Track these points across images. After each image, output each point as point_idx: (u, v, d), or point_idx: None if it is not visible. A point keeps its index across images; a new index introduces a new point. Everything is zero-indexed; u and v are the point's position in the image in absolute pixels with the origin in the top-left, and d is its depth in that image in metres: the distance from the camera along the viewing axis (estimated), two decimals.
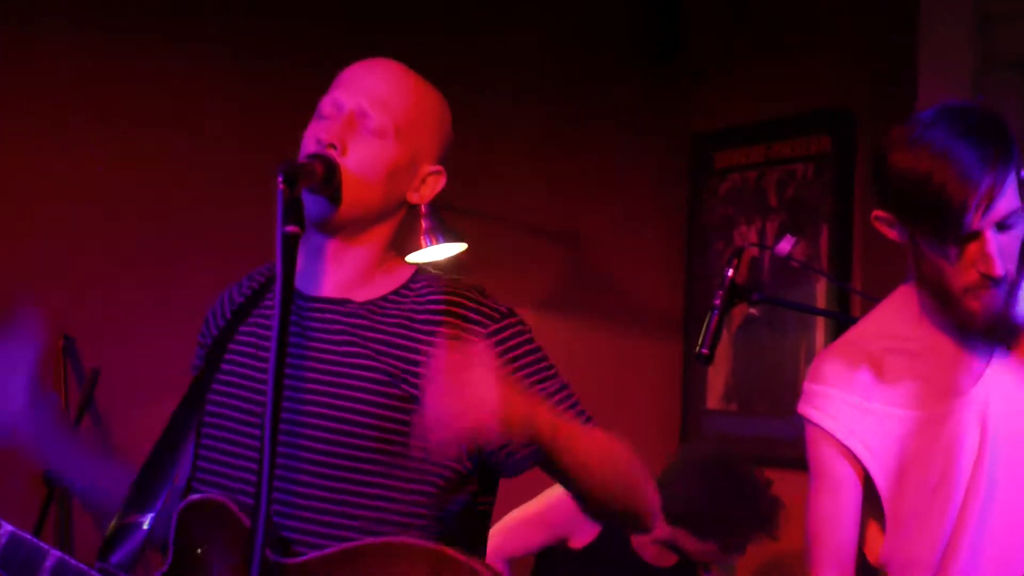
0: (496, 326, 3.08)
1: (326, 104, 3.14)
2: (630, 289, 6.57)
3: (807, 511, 3.33)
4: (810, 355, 5.94)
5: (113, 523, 3.14)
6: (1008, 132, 3.10)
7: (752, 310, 5.95)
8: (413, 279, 3.15)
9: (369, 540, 3.01)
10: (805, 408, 3.30)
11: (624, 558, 5.49)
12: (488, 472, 3.16)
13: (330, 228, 3.09)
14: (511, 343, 3.08)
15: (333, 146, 2.96)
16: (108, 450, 5.34)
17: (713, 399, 6.30)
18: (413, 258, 5.58)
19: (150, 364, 5.48)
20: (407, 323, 3.09)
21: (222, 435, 3.13)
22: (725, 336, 4.77)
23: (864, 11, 5.90)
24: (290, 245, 2.72)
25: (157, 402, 5.45)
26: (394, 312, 3.10)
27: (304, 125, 3.14)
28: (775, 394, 6.12)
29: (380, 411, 3.05)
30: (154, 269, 5.73)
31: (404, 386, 3.05)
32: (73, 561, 3.06)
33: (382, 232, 3.15)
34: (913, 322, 3.28)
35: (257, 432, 2.92)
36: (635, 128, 6.57)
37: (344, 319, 3.12)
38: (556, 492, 4.68)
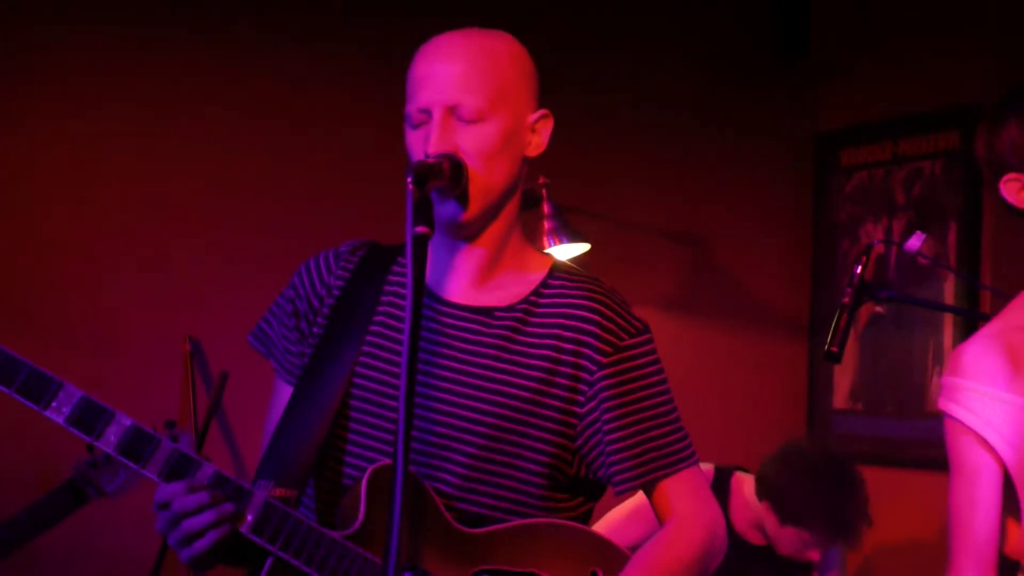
0: (632, 341, 3.09)
1: (414, 112, 3.08)
2: (755, 289, 6.57)
3: (948, 504, 3.26)
4: (938, 353, 5.96)
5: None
6: None
7: (879, 308, 5.94)
8: (550, 276, 3.14)
9: (543, 519, 3.11)
10: (945, 403, 3.23)
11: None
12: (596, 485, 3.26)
13: (462, 228, 3.08)
14: (643, 359, 3.11)
15: (445, 156, 2.94)
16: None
17: (839, 399, 6.27)
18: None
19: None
20: (550, 332, 3.10)
21: (363, 428, 3.15)
22: (852, 335, 4.70)
23: (992, 7, 5.86)
24: (420, 246, 2.70)
25: None
26: (535, 323, 3.11)
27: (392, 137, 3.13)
28: (902, 394, 6.11)
29: (523, 418, 3.09)
30: (279, 272, 5.68)
31: (546, 399, 3.09)
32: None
33: (508, 216, 3.13)
34: None
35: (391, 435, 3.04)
36: (759, 128, 6.56)
37: (487, 330, 3.13)
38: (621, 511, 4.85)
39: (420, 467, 3.11)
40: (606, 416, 3.10)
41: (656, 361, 3.13)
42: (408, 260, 2.71)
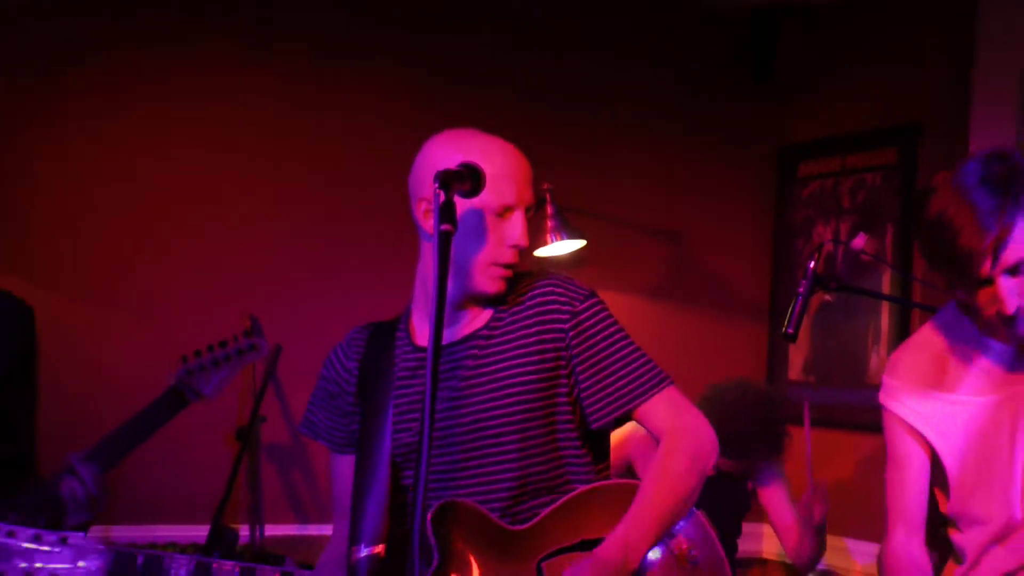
0: (583, 305, 3.15)
1: (510, 197, 3.12)
2: (724, 279, 6.52)
3: (884, 482, 3.34)
4: (877, 334, 5.92)
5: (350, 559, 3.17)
6: (1017, 177, 3.00)
7: (828, 297, 5.88)
8: (526, 289, 3.23)
9: (569, 495, 3.15)
10: (884, 398, 3.30)
11: None
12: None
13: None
14: (597, 316, 3.16)
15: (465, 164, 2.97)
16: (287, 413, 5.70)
17: (794, 372, 6.25)
18: (539, 253, 5.73)
19: (322, 339, 5.57)
20: (523, 331, 3.17)
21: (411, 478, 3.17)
22: (805, 319, 4.75)
23: (926, 44, 5.82)
24: (445, 241, 2.74)
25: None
26: (511, 323, 3.18)
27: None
28: (847, 368, 6.06)
29: (538, 400, 3.14)
30: (324, 257, 5.76)
31: (549, 377, 3.15)
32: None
33: None
34: (970, 325, 3.24)
35: (438, 457, 3.13)
36: (731, 142, 6.52)
37: (479, 350, 3.17)
38: (624, 431, 4.79)
39: (471, 491, 3.13)
40: (579, 368, 3.14)
41: (608, 316, 3.19)
42: (434, 253, 2.75)
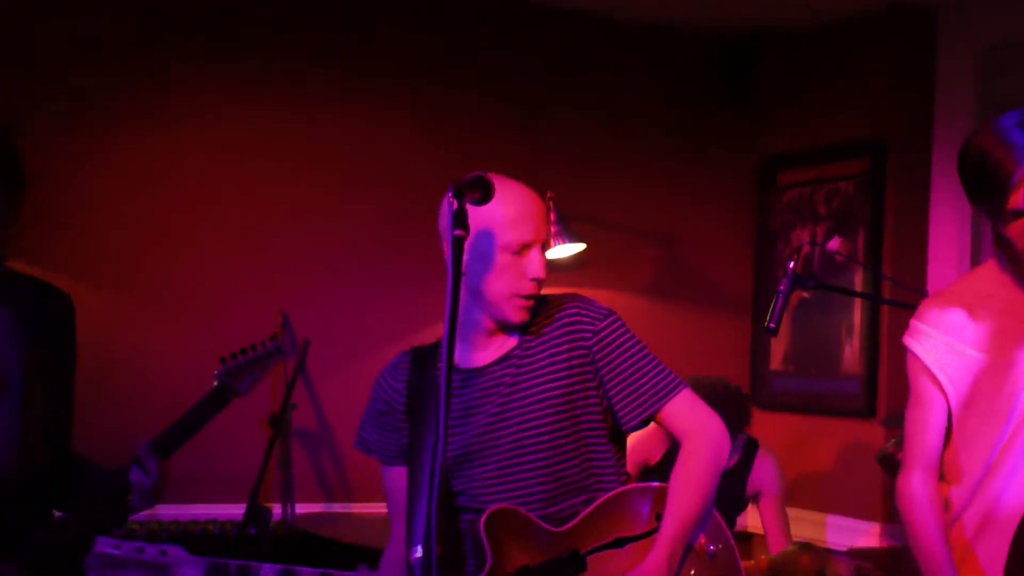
0: (603, 323, 3.25)
1: (528, 235, 3.18)
2: (712, 279, 6.51)
3: (905, 421, 3.31)
4: (850, 329, 5.94)
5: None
6: None
7: (806, 294, 5.85)
8: (556, 315, 3.30)
9: (604, 496, 3.24)
10: (909, 340, 3.28)
11: None
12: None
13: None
14: (616, 332, 3.25)
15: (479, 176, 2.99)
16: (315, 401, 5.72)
17: (775, 362, 6.28)
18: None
19: (346, 334, 5.62)
20: (553, 350, 3.25)
21: (459, 485, 3.27)
22: (785, 314, 4.79)
23: (893, 67, 5.86)
24: (459, 245, 2.79)
25: (352, 364, 5.53)
26: (541, 343, 3.26)
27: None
28: (823, 359, 6.07)
29: (571, 412, 3.23)
30: (349, 259, 5.76)
31: (581, 390, 3.24)
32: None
33: None
34: (997, 284, 3.23)
35: (483, 466, 3.23)
36: (716, 154, 6.54)
37: (515, 368, 3.25)
38: (639, 434, 4.76)
39: (512, 495, 3.22)
40: (607, 378, 3.24)
41: (626, 331, 3.28)
42: (448, 256, 2.80)
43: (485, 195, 2.92)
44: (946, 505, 3.27)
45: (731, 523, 5.13)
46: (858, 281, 5.87)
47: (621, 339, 3.26)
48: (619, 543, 3.19)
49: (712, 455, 3.24)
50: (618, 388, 3.24)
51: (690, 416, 3.27)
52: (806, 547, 4.75)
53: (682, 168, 6.47)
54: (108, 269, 5.37)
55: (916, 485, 3.23)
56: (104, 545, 3.00)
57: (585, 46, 6.26)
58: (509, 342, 3.28)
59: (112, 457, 3.75)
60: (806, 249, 6.08)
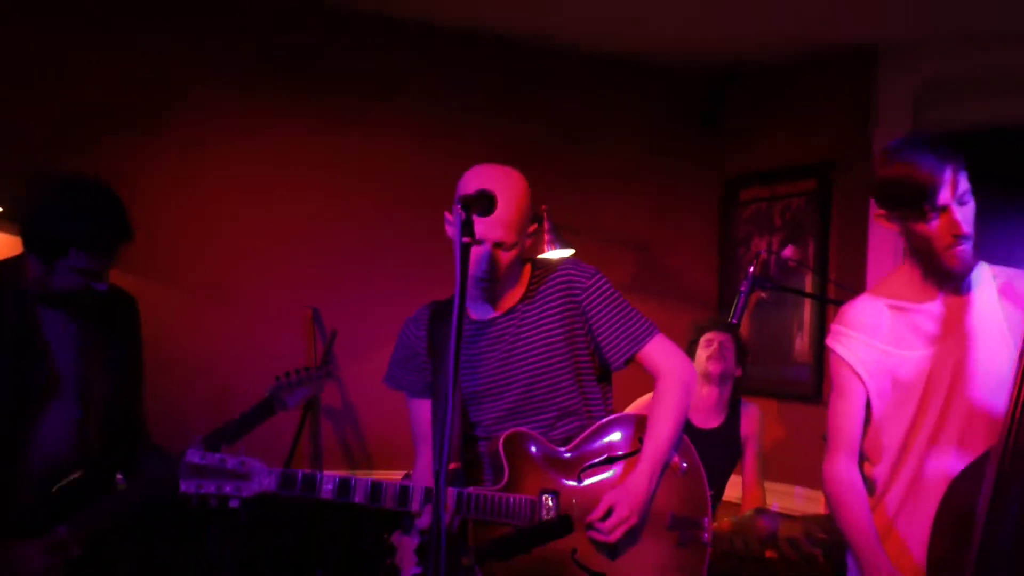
0: (590, 280, 3.36)
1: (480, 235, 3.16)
2: (682, 280, 6.56)
3: (829, 412, 3.30)
4: (800, 324, 5.97)
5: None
6: (951, 145, 3.12)
7: (763, 294, 5.93)
8: (535, 272, 3.41)
9: (599, 421, 3.37)
10: (831, 342, 3.30)
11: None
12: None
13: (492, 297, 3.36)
14: (601, 287, 3.36)
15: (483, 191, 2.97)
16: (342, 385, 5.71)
17: None
18: (541, 257, 5.36)
19: (368, 326, 5.56)
20: (549, 304, 3.36)
21: (474, 412, 3.36)
22: (745, 311, 4.72)
23: (840, 101, 5.91)
24: (466, 251, 2.80)
25: (373, 352, 5.40)
26: (540, 299, 3.37)
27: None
28: (778, 349, 6.10)
29: (567, 355, 3.35)
30: (371, 260, 5.75)
31: (573, 337, 3.35)
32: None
33: (517, 271, 3.39)
34: (906, 287, 3.24)
35: (498, 401, 3.32)
36: (688, 174, 6.58)
37: (519, 320, 3.35)
38: (643, 401, 4.73)
39: (524, 421, 3.33)
40: (595, 326, 3.35)
41: (610, 287, 3.39)
42: (456, 259, 2.78)
43: (488, 207, 2.94)
44: (871, 487, 3.28)
45: (726, 474, 5.33)
46: (808, 283, 5.87)
47: (606, 294, 3.37)
48: (609, 460, 3.34)
49: (682, 389, 3.37)
50: (605, 334, 3.36)
51: (664, 356, 3.39)
52: (762, 511, 4.73)
53: (658, 186, 6.50)
54: (167, 268, 5.33)
55: (841, 468, 3.25)
56: (192, 456, 3.02)
57: (575, 80, 6.27)
58: (515, 297, 3.38)
59: (165, 429, 3.80)
60: (763, 255, 6.10)
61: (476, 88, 6.04)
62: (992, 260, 3.34)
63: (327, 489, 3.05)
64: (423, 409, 3.46)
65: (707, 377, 5.25)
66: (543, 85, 6.20)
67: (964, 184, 3.08)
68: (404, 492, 3.10)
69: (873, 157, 5.31)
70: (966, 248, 3.12)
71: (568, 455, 3.34)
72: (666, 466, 3.37)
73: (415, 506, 3.10)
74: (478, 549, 2.88)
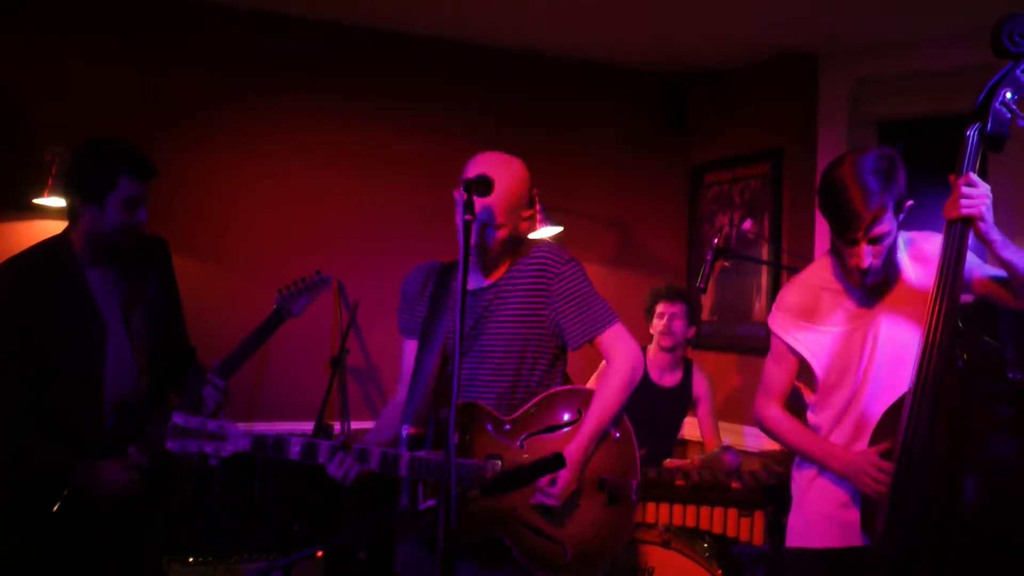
0: (563, 268, 3.24)
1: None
2: (656, 253, 6.52)
3: (763, 372, 3.38)
4: (758, 289, 5.96)
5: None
6: (894, 174, 3.02)
7: (726, 263, 5.73)
8: (530, 255, 3.29)
9: (544, 392, 3.26)
10: (772, 324, 3.33)
11: (641, 383, 5.25)
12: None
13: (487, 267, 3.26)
14: (571, 275, 3.24)
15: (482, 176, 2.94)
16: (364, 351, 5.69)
17: (705, 313, 6.14)
18: (532, 236, 5.52)
19: (387, 296, 5.34)
20: (523, 282, 3.26)
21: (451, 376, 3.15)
22: (711, 278, 4.83)
23: (788, 97, 5.88)
24: (468, 228, 2.79)
25: (392, 319, 5.38)
26: (516, 277, 3.26)
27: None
28: (739, 310, 6.10)
29: (528, 330, 3.24)
30: (389, 237, 5.73)
31: (536, 316, 3.24)
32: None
33: (509, 248, 3.29)
34: (832, 274, 3.25)
35: (466, 362, 3.20)
36: (659, 162, 6.55)
37: (495, 295, 3.25)
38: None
39: (485, 382, 3.21)
40: (559, 309, 3.22)
41: (582, 275, 3.25)
42: (460, 237, 2.78)
43: (487, 190, 2.92)
44: (813, 430, 3.31)
45: (679, 424, 5.36)
46: (764, 252, 5.89)
47: (576, 281, 3.25)
48: (551, 429, 3.23)
49: (628, 374, 3.27)
50: (567, 317, 3.24)
51: (617, 343, 3.28)
52: (727, 448, 4.73)
53: (633, 172, 6.50)
54: (211, 248, 5.36)
55: (774, 409, 3.34)
56: (178, 418, 3.02)
57: (559, 83, 6.24)
58: (499, 273, 3.28)
59: None
60: (726, 230, 6.08)
61: (475, 93, 6.03)
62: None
63: (294, 451, 3.02)
64: (411, 350, 3.36)
65: (660, 347, 5.24)
66: (533, 90, 6.19)
67: (884, 227, 3.02)
68: (311, 447, 3.04)
69: (817, 145, 5.73)
70: (869, 279, 3.12)
71: (514, 424, 3.23)
72: (604, 436, 3.27)
73: (321, 459, 3.04)
74: (483, 483, 2.79)
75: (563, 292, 3.24)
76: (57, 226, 5.05)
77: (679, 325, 5.22)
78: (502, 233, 3.21)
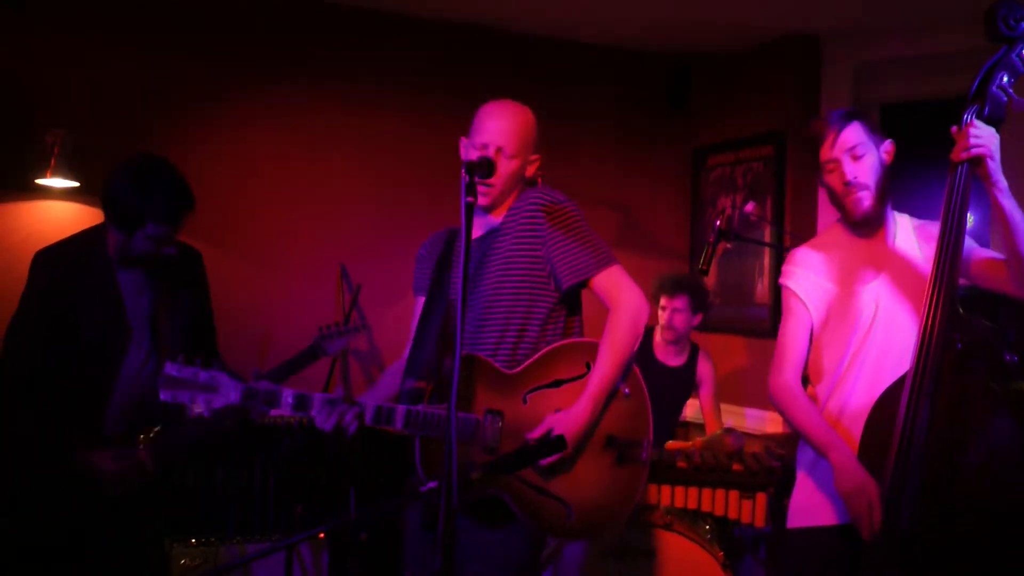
0: (555, 207, 3.14)
1: (473, 144, 3.15)
2: (659, 234, 6.51)
3: (778, 335, 3.31)
4: (760, 271, 5.95)
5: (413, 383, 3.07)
6: (862, 113, 3.19)
7: (728, 245, 5.85)
8: (520, 198, 3.20)
9: (549, 347, 3.13)
10: (782, 279, 3.34)
11: (648, 362, 5.29)
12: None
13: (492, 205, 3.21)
14: (565, 214, 3.14)
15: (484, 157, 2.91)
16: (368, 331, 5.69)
17: None
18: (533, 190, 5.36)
19: (388, 280, 5.57)
20: (518, 227, 3.16)
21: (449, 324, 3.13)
22: (714, 260, 4.74)
23: (791, 79, 5.88)
24: (469, 209, 2.73)
25: (393, 302, 5.55)
26: (512, 219, 3.17)
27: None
28: (741, 292, 6.10)
29: (524, 272, 3.14)
30: (391, 222, 5.75)
31: (531, 255, 3.14)
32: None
33: (511, 188, 3.22)
34: (842, 235, 3.29)
35: (470, 311, 3.10)
36: (663, 145, 6.54)
37: (493, 241, 3.17)
38: None
39: (489, 332, 3.11)
40: (551, 246, 3.11)
41: (574, 214, 3.14)
42: (462, 216, 2.72)
43: (488, 171, 2.88)
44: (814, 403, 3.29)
45: (682, 404, 5.41)
46: (767, 234, 5.88)
47: (569, 219, 3.14)
48: (556, 384, 3.09)
49: (632, 322, 3.10)
50: (559, 254, 3.11)
51: (617, 287, 3.13)
52: (729, 431, 4.70)
53: (638, 155, 6.48)
54: (219, 233, 5.35)
55: (788, 379, 3.25)
56: (171, 368, 2.92)
57: (561, 66, 6.23)
58: (500, 215, 3.21)
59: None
60: (728, 212, 6.07)
61: (480, 77, 6.01)
62: (913, 213, 3.36)
63: (287, 402, 2.90)
64: (420, 307, 3.30)
65: (664, 339, 5.29)
66: (535, 72, 6.17)
67: (853, 139, 3.13)
68: (304, 397, 2.95)
69: None
70: (860, 196, 3.17)
71: (517, 377, 3.09)
72: (613, 392, 3.12)
73: (314, 411, 2.94)
74: (484, 465, 2.66)
75: (556, 230, 3.13)
76: (60, 207, 5.14)
77: (680, 320, 5.24)
78: (515, 163, 3.17)
